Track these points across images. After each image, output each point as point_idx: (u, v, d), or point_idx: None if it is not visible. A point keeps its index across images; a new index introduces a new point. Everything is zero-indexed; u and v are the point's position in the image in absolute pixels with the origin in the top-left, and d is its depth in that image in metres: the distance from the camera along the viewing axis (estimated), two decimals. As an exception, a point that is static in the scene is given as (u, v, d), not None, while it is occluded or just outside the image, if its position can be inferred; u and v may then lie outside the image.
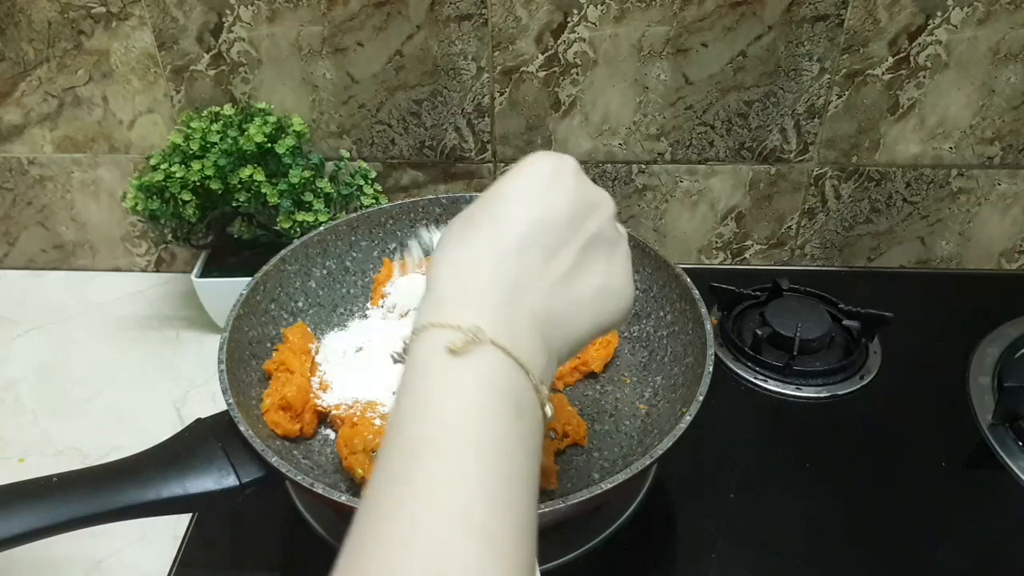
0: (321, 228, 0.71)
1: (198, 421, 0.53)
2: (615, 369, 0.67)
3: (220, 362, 0.56)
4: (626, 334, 0.69)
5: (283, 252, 0.67)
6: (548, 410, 0.34)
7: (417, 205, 0.74)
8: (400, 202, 0.74)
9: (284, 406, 0.58)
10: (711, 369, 0.56)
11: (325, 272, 0.71)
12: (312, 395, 0.61)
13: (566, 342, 0.38)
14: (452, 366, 0.32)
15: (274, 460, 0.49)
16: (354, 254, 0.72)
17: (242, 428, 0.51)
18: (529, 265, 0.36)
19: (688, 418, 0.52)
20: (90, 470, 0.49)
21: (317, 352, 0.65)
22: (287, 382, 0.59)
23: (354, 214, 0.72)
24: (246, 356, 0.61)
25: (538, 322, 0.35)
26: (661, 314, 0.67)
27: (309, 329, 0.67)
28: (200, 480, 0.49)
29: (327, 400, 0.61)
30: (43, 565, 0.61)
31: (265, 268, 0.66)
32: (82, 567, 0.63)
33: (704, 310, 0.60)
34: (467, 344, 0.32)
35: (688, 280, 0.63)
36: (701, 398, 0.53)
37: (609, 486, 0.48)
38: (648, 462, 0.50)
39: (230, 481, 0.50)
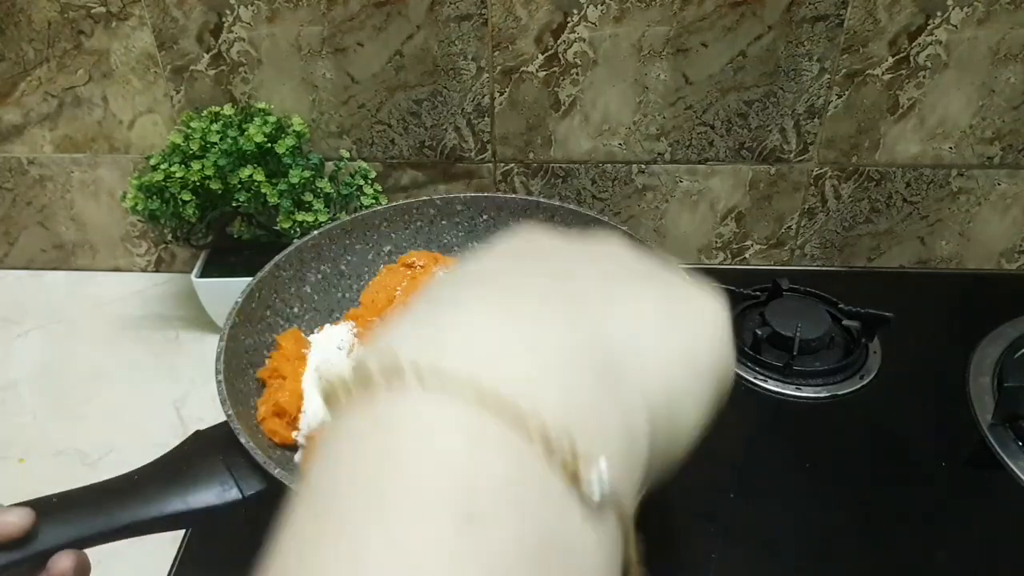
0: (315, 232, 0.69)
1: (197, 433, 0.52)
2: (615, 369, 0.67)
3: (218, 372, 0.55)
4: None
5: (277, 258, 0.66)
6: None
7: (411, 207, 0.73)
8: (394, 204, 0.73)
9: (278, 412, 0.57)
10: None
11: (320, 277, 0.69)
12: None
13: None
14: None
15: (277, 472, 0.48)
16: (349, 258, 0.72)
17: (243, 440, 0.49)
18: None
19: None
20: (89, 488, 0.47)
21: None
22: (280, 388, 0.58)
23: (348, 217, 0.71)
24: (243, 365, 0.59)
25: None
26: (661, 314, 0.66)
27: (303, 335, 0.66)
28: (202, 495, 0.48)
29: (323, 404, 0.60)
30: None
31: (260, 274, 0.64)
32: (82, 567, 0.63)
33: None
34: None
35: (687, 280, 0.63)
36: None
37: None
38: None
39: (233, 495, 0.48)
